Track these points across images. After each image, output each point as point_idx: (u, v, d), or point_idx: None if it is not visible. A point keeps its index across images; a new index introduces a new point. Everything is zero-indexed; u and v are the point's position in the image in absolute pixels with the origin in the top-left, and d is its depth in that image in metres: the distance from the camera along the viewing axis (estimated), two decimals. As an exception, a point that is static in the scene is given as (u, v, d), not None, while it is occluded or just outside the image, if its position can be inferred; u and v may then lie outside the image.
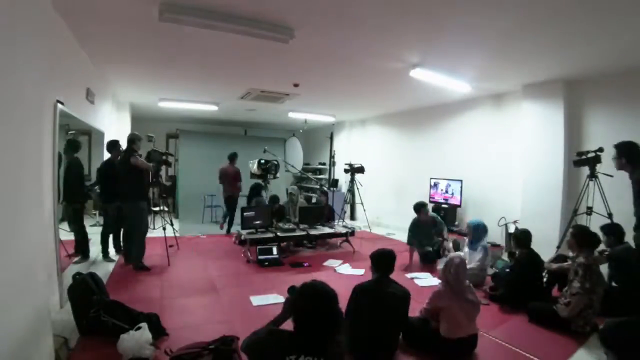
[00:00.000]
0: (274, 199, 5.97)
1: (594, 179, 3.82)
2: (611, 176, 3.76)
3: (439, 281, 2.65)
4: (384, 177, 7.87)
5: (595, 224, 3.83)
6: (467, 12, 2.70)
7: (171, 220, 5.77)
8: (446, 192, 6.07)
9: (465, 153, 6.01)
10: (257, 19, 2.91)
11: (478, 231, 4.07)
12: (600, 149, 3.74)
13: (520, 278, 3.26)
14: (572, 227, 3.18)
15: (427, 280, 4.12)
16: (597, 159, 3.78)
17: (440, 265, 4.08)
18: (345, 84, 5.19)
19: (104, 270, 3.93)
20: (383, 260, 2.42)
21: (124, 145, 4.40)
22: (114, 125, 6.22)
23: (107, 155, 4.57)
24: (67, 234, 3.80)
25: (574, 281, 2.80)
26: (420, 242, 4.77)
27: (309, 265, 4.54)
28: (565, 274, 3.06)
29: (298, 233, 5.21)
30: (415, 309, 3.19)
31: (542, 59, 3.74)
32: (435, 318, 2.45)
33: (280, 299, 3.22)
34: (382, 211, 7.88)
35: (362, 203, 7.52)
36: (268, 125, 10.31)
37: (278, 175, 6.71)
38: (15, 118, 1.68)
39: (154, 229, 6.31)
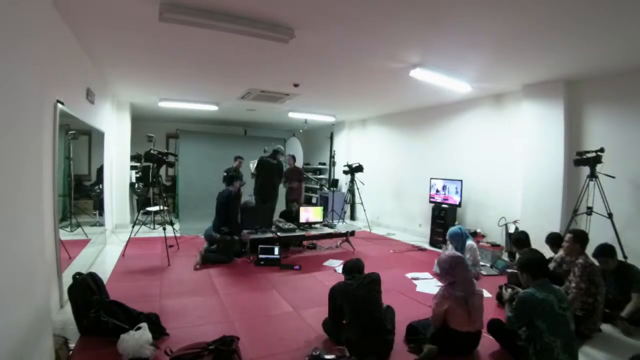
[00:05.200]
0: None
1: (594, 179, 3.82)
2: (613, 177, 3.77)
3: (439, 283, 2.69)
4: (384, 177, 7.87)
5: (595, 224, 3.85)
6: (467, 12, 2.70)
7: (171, 220, 5.79)
8: (439, 192, 6.09)
9: (465, 153, 6.01)
10: (257, 18, 2.90)
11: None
12: (601, 149, 3.75)
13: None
14: (572, 233, 3.07)
15: (427, 282, 4.11)
16: (597, 159, 3.78)
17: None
18: (345, 84, 5.19)
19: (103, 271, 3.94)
20: (354, 267, 2.66)
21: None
22: (114, 125, 6.24)
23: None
24: (67, 234, 3.80)
25: (572, 282, 2.80)
26: None
27: (299, 268, 4.48)
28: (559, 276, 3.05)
29: (298, 233, 5.22)
30: (413, 308, 3.20)
31: (542, 59, 3.73)
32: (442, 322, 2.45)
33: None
34: (382, 211, 7.89)
35: (362, 203, 7.54)
36: (268, 125, 10.31)
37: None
38: (15, 118, 1.68)
39: (154, 229, 6.34)
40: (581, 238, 2.98)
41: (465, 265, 2.52)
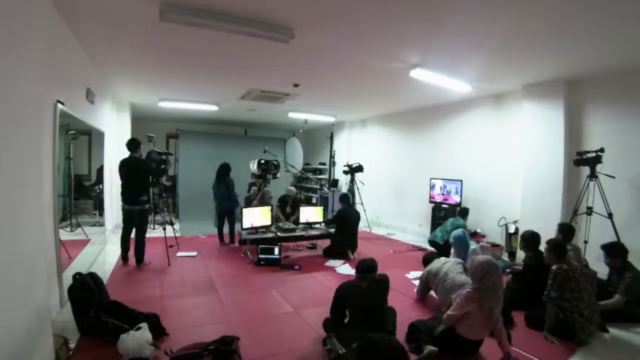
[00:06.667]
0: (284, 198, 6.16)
1: (594, 179, 3.82)
2: (613, 177, 3.77)
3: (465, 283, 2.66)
4: (384, 177, 7.87)
5: (595, 224, 3.85)
6: (467, 13, 2.70)
7: (171, 220, 5.79)
8: (436, 189, 6.12)
9: (465, 153, 6.01)
10: (258, 19, 2.90)
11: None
12: (601, 149, 3.75)
13: (528, 282, 3.22)
14: (547, 243, 3.01)
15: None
16: (597, 159, 3.78)
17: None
18: (345, 84, 5.19)
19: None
20: (366, 267, 2.58)
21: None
22: (114, 125, 6.24)
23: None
24: (67, 234, 3.80)
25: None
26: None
27: (299, 268, 4.46)
28: None
29: (298, 233, 5.21)
30: (413, 308, 3.20)
31: (542, 59, 3.73)
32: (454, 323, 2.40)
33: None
34: (382, 211, 7.89)
35: (362, 203, 7.53)
36: (268, 125, 10.31)
37: (278, 175, 6.71)
38: (15, 118, 1.68)
39: (153, 229, 6.33)
40: (554, 248, 2.92)
41: (499, 273, 2.35)
